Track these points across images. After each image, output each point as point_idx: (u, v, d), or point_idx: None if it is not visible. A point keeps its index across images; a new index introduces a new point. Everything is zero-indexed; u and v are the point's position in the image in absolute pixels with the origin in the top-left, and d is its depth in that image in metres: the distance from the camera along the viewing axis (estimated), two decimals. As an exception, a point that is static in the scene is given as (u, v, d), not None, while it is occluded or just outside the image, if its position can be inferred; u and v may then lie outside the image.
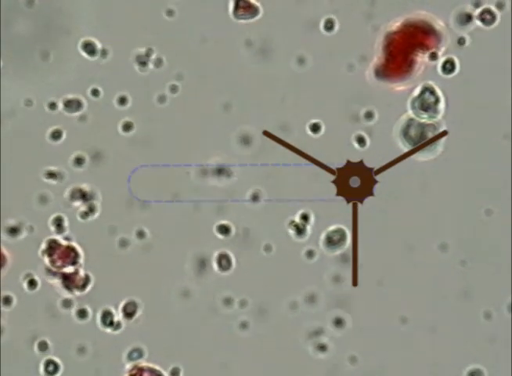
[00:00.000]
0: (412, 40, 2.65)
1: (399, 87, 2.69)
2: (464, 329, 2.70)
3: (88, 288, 2.68)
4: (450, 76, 2.68)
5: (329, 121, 2.70)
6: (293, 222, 2.69)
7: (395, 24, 2.66)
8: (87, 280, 2.68)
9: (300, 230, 2.69)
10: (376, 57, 2.67)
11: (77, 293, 2.68)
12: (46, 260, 2.67)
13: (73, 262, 2.67)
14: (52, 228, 2.68)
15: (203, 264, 2.68)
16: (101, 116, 2.71)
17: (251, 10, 2.68)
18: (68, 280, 2.67)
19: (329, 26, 2.68)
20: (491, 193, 2.69)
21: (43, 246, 2.68)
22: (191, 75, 2.71)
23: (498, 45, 2.69)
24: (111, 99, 2.70)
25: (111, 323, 2.68)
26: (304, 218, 2.69)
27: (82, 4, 2.69)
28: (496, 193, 2.69)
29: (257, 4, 2.67)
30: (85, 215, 2.68)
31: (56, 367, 2.68)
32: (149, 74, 2.70)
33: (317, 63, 2.70)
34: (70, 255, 2.67)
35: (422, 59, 2.66)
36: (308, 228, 2.70)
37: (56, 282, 2.68)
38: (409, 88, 2.68)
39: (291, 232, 2.69)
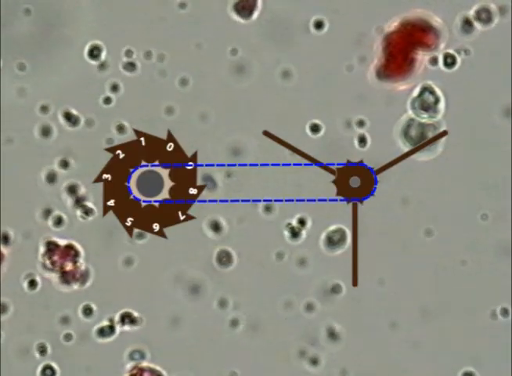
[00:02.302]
0: (411, 38, 2.65)
1: (402, 86, 2.68)
2: (465, 328, 2.69)
3: (88, 283, 2.69)
4: (451, 71, 2.67)
5: (330, 120, 2.70)
6: (289, 224, 2.69)
7: (393, 24, 2.66)
8: (86, 274, 2.68)
9: (295, 233, 2.69)
10: (377, 58, 2.67)
11: (76, 287, 2.69)
12: (47, 262, 2.67)
13: (74, 260, 2.68)
14: (51, 227, 2.70)
15: (196, 289, 2.69)
16: (97, 118, 2.72)
17: (251, 2, 2.69)
18: (67, 275, 2.68)
19: (325, 27, 2.69)
20: (491, 192, 2.69)
21: (41, 249, 2.69)
22: (189, 80, 2.72)
23: (498, 44, 2.69)
24: (106, 103, 2.71)
25: (111, 328, 2.69)
26: (301, 222, 2.69)
27: (82, 6, 2.70)
28: (496, 192, 2.69)
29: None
30: (84, 216, 2.70)
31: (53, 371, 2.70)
32: (147, 80, 2.71)
33: (317, 64, 2.70)
34: (70, 253, 2.68)
35: (422, 57, 2.66)
36: (304, 232, 2.70)
37: (53, 276, 2.69)
38: (411, 87, 2.68)
39: (286, 234, 2.69)
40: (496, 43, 2.68)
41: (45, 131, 2.70)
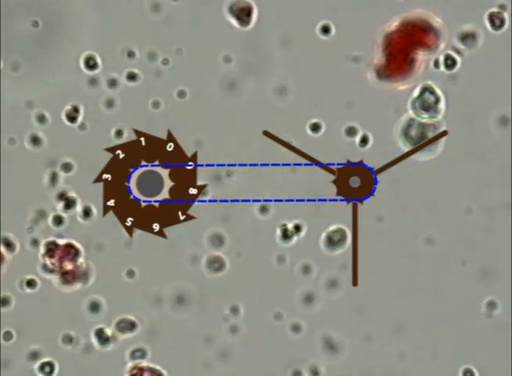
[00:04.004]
0: (411, 38, 2.65)
1: (402, 86, 2.68)
2: (465, 329, 2.69)
3: (90, 282, 2.69)
4: (451, 72, 2.68)
5: (330, 121, 2.70)
6: (284, 225, 2.69)
7: (393, 24, 2.66)
8: (87, 272, 2.68)
9: (286, 236, 2.69)
10: (377, 58, 2.67)
11: (78, 286, 2.69)
12: (48, 262, 2.67)
13: (74, 260, 2.68)
14: (53, 227, 2.70)
15: (181, 299, 2.70)
16: (93, 123, 2.72)
17: (246, 9, 2.69)
18: (67, 275, 2.68)
19: (326, 29, 2.69)
20: (491, 192, 2.69)
21: (42, 249, 2.69)
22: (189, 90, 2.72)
23: (499, 45, 2.69)
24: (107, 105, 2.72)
25: (107, 339, 2.69)
26: (297, 228, 2.69)
27: (82, 8, 2.70)
28: (496, 192, 2.69)
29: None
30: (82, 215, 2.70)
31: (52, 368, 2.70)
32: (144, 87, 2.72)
33: (317, 64, 2.70)
34: (71, 252, 2.68)
35: (422, 56, 2.66)
36: (295, 238, 2.70)
37: (54, 278, 2.68)
38: (411, 87, 2.68)
39: (278, 233, 2.69)
40: (497, 42, 2.69)
41: (45, 132, 2.71)
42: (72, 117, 2.68)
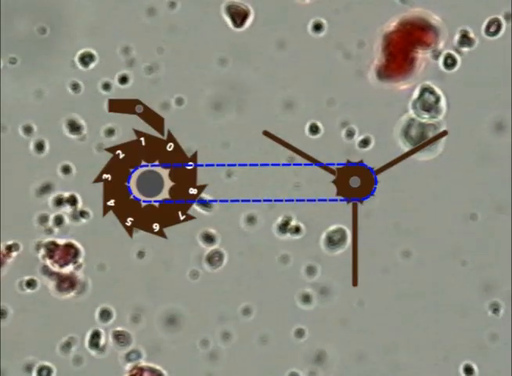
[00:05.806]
0: (411, 38, 2.65)
1: (403, 86, 2.68)
2: (466, 329, 2.69)
3: (88, 292, 2.70)
4: (451, 71, 2.67)
5: (330, 121, 2.70)
6: (288, 218, 2.69)
7: (392, 24, 2.66)
8: (85, 282, 2.69)
9: (284, 229, 2.69)
10: (377, 59, 2.67)
11: (73, 294, 2.69)
12: (48, 262, 2.68)
13: (74, 260, 2.68)
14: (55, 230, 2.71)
15: (173, 320, 2.70)
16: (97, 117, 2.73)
17: (242, 12, 2.70)
18: (64, 282, 2.68)
19: (321, 29, 2.69)
20: (491, 192, 2.68)
21: (42, 250, 2.69)
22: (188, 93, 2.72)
23: (499, 45, 2.69)
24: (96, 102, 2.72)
25: (96, 345, 2.70)
26: (297, 229, 2.69)
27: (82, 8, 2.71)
28: (496, 192, 2.68)
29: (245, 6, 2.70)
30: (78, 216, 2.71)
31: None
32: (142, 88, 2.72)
33: (317, 64, 2.70)
34: (71, 252, 2.68)
35: (422, 55, 2.66)
36: (289, 234, 2.70)
37: (51, 284, 2.69)
38: (411, 86, 2.68)
39: (279, 223, 2.69)
40: (497, 43, 2.69)
41: (46, 131, 2.71)
42: (75, 128, 2.69)
